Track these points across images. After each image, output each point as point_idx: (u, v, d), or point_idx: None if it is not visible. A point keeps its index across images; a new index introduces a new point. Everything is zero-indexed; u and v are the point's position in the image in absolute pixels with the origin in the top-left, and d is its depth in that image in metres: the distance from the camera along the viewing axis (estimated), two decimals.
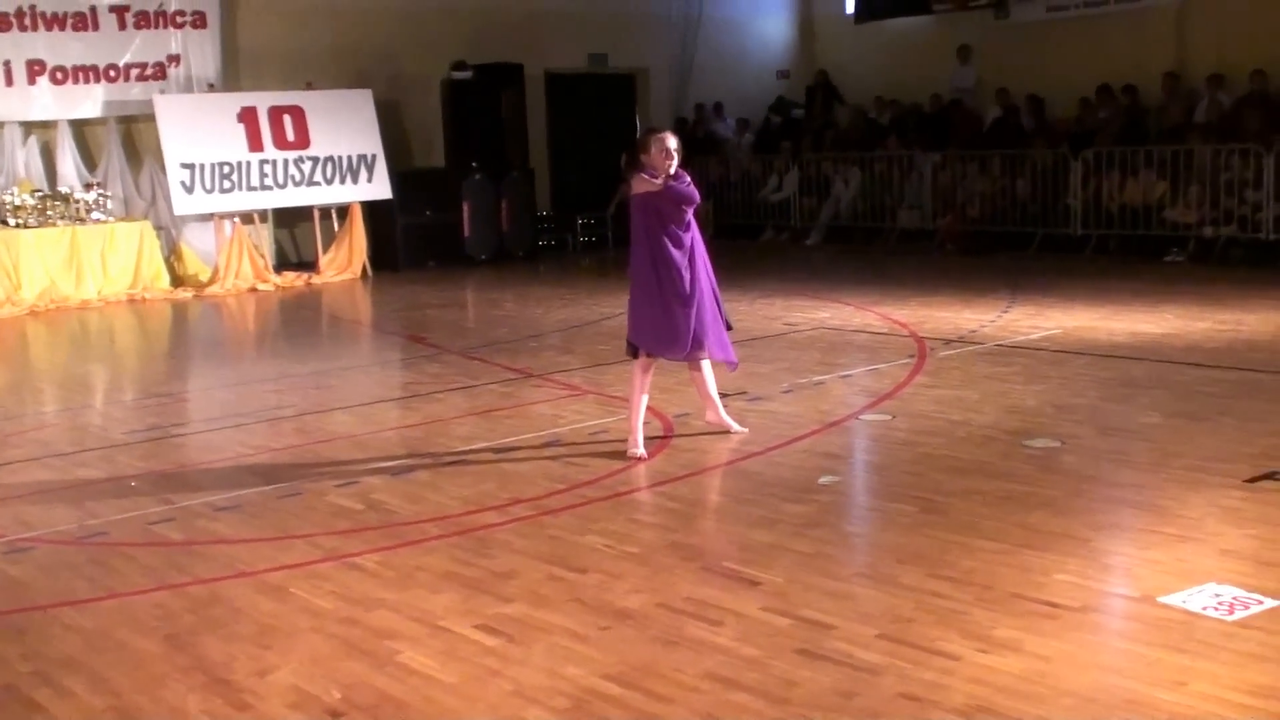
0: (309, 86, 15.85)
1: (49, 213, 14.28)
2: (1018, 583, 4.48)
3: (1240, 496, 5.38)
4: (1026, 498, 5.50)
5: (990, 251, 15.28)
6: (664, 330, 6.52)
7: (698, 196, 6.61)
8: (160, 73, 15.40)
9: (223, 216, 15.18)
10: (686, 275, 6.49)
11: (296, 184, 15.57)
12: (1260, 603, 4.18)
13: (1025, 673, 3.76)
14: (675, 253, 6.46)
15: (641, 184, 6.46)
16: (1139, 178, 14.48)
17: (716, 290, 6.72)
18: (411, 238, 16.37)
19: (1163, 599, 4.26)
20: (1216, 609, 4.15)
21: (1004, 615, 4.20)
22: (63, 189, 14.56)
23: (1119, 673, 3.77)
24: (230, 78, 15.90)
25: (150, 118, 14.97)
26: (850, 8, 19.78)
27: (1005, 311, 10.80)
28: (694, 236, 6.59)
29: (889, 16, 18.85)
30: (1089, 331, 9.66)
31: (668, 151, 6.44)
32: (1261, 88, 14.53)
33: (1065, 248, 14.95)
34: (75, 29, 14.84)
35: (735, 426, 6.87)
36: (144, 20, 15.25)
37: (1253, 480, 5.58)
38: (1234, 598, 4.23)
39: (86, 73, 14.98)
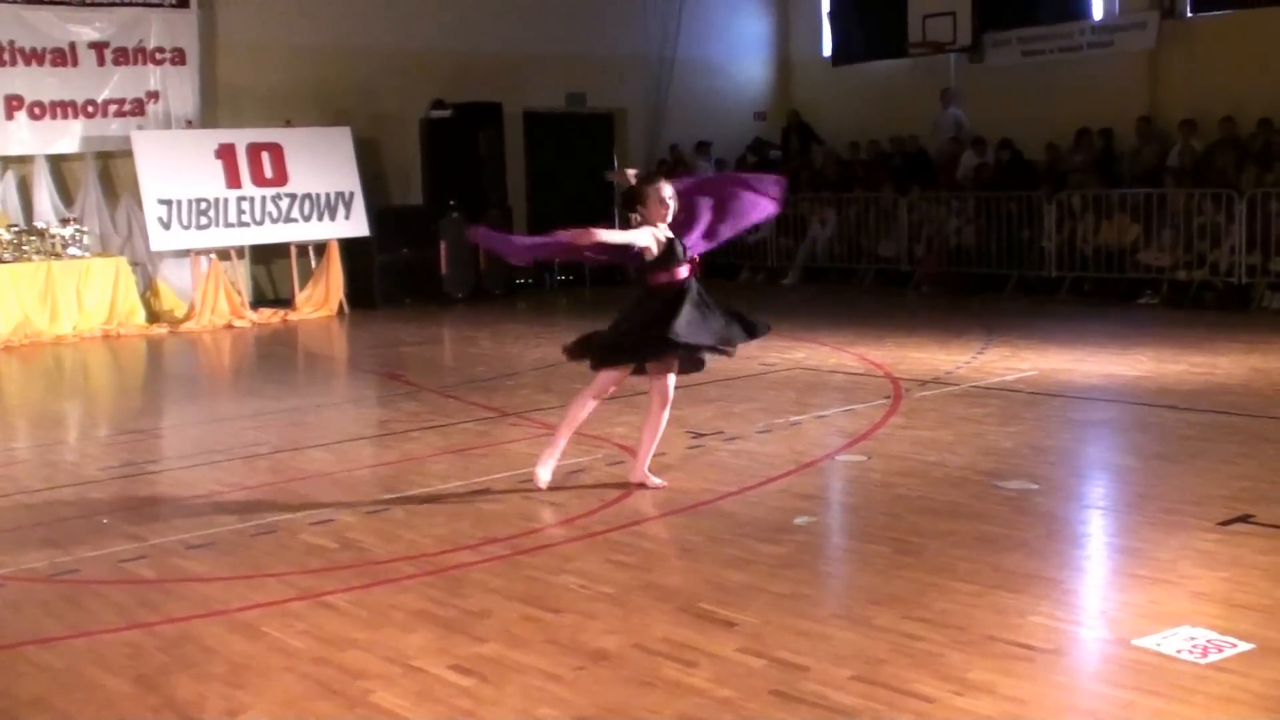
0: (288, 124, 15.87)
1: (24, 247, 14.20)
2: (992, 624, 4.48)
3: (1214, 539, 5.40)
4: (1001, 539, 5.51)
5: (966, 293, 15.37)
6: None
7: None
8: (139, 109, 15.41)
9: (199, 253, 15.15)
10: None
11: (274, 221, 15.56)
12: (1234, 646, 4.19)
13: (999, 715, 3.76)
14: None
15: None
16: (1113, 221, 14.62)
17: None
18: (389, 275, 16.35)
19: (1136, 641, 4.27)
20: (1190, 652, 4.16)
21: (978, 657, 4.20)
22: (39, 224, 14.48)
23: (1093, 715, 3.77)
24: (209, 115, 15.91)
25: (128, 154, 14.95)
26: (827, 50, 19.98)
27: (980, 353, 10.85)
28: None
29: (865, 59, 19.03)
30: (1064, 373, 9.71)
31: (663, 201, 6.29)
32: (1232, 133, 14.71)
33: (1040, 290, 15.05)
34: (54, 64, 14.84)
35: (654, 481, 6.66)
36: (123, 57, 15.27)
37: (1226, 523, 5.61)
38: (1208, 640, 4.24)
39: (65, 108, 14.97)
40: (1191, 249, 13.90)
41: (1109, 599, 4.87)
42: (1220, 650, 4.16)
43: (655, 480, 6.66)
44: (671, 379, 6.58)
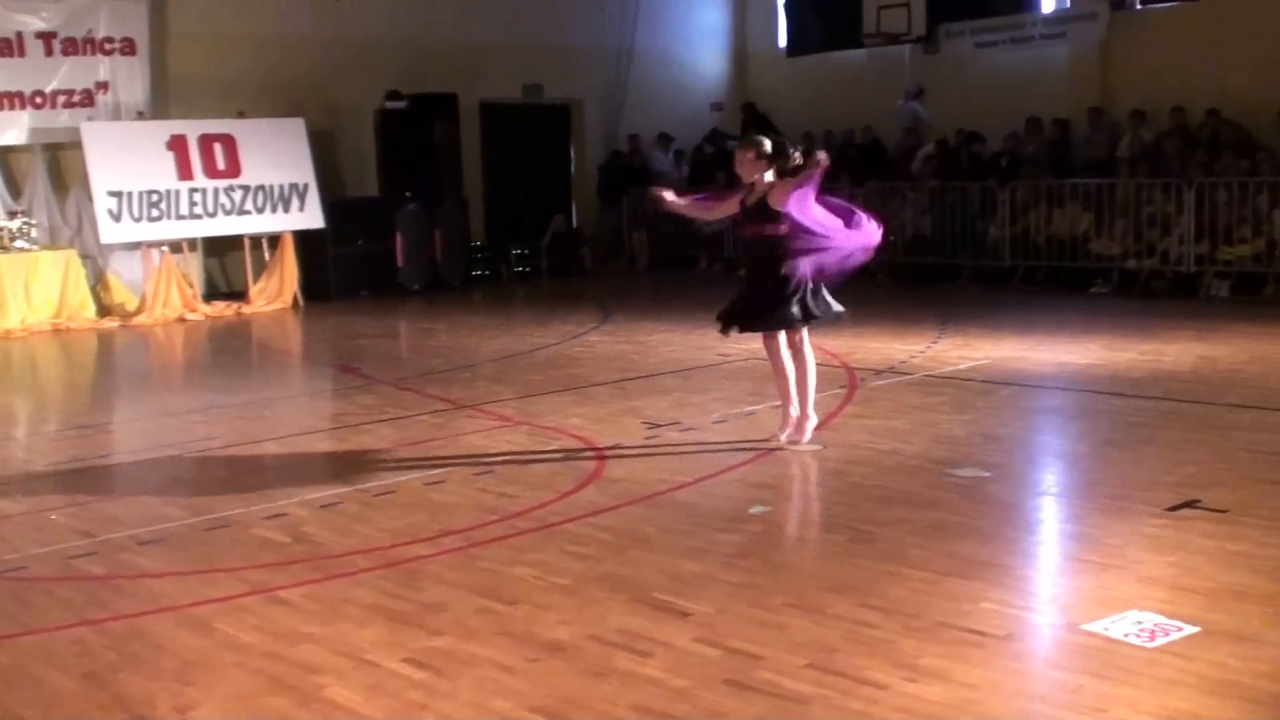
0: (240, 115, 15.73)
1: None
2: (945, 611, 4.52)
3: (1161, 524, 5.46)
4: (954, 527, 5.55)
5: (921, 283, 15.46)
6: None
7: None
8: (88, 100, 15.21)
9: (151, 245, 14.99)
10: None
11: (227, 213, 15.42)
12: (1179, 629, 4.24)
13: (952, 701, 3.79)
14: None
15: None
16: (1065, 210, 14.74)
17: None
18: (344, 267, 16.24)
19: (1086, 626, 4.31)
20: (1137, 636, 4.21)
21: (931, 644, 4.23)
22: None
23: (1043, 700, 3.81)
24: (160, 105, 15.73)
25: (77, 145, 14.75)
26: (783, 41, 20.01)
27: (934, 342, 10.92)
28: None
29: (821, 51, 19.08)
30: (1016, 362, 9.79)
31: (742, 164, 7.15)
32: (1181, 123, 14.85)
33: (993, 279, 15.17)
34: (1, 55, 14.63)
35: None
36: (72, 47, 15.06)
37: (1174, 509, 5.67)
38: (1154, 624, 4.29)
39: (12, 99, 14.73)
40: (1141, 238, 14.04)
41: (1059, 584, 4.91)
42: (1167, 634, 4.21)
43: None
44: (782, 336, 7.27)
